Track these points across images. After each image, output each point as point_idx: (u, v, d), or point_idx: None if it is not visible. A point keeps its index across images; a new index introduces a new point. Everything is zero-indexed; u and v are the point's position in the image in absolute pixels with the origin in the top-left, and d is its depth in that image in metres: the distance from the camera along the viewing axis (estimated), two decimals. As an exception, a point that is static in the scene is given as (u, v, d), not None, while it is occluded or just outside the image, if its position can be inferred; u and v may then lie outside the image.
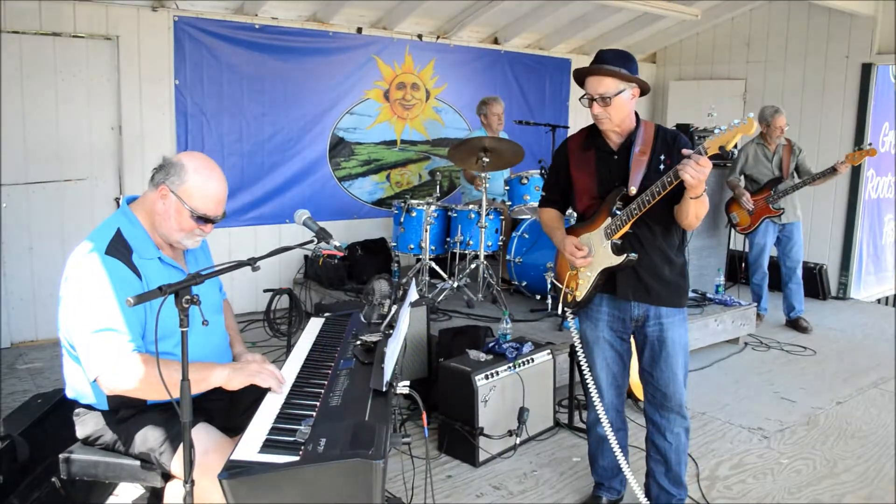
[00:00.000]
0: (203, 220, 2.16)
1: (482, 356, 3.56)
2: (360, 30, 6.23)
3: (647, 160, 2.58)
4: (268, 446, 1.74)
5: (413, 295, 2.40)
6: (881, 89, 6.94)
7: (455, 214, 5.26)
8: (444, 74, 6.81)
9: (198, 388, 2.01)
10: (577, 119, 7.24)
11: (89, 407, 2.17)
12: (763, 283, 5.86)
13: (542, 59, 7.46)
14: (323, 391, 2.08)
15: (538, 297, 5.18)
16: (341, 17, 6.04)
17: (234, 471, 1.62)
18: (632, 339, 2.84)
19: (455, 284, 5.06)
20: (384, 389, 2.01)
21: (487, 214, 5.03)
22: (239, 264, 1.98)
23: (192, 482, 1.76)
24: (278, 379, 2.11)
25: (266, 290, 5.28)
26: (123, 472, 2.15)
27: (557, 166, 2.86)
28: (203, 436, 2.03)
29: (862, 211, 7.04)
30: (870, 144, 5.27)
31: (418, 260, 5.18)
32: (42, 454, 2.56)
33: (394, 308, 2.70)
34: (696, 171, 2.29)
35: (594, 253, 2.68)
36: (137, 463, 2.12)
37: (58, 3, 4.85)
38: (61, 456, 2.15)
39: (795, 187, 5.52)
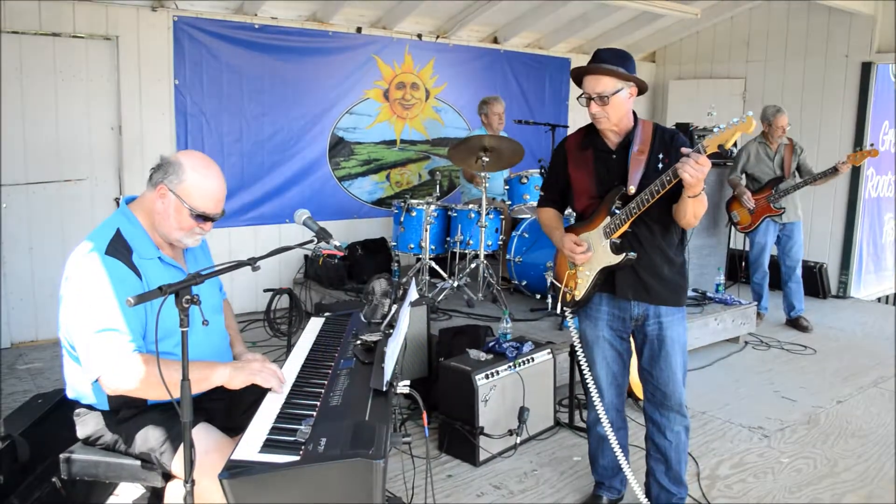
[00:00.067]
0: (202, 218, 2.16)
1: (482, 356, 3.56)
2: (359, 29, 6.23)
3: (645, 159, 2.58)
4: (268, 446, 1.74)
5: (413, 294, 2.40)
6: (881, 88, 6.94)
7: (455, 214, 5.26)
8: (444, 74, 6.81)
9: (199, 387, 2.02)
10: (577, 118, 7.23)
11: (90, 407, 2.17)
12: (763, 282, 5.86)
13: (541, 59, 7.46)
14: (323, 391, 2.08)
15: (538, 296, 5.18)
16: (341, 16, 6.04)
17: (234, 470, 1.62)
18: (631, 339, 2.84)
19: (455, 284, 5.06)
20: (384, 389, 2.01)
21: (487, 214, 5.03)
22: (239, 264, 1.98)
23: (193, 482, 1.76)
24: (279, 378, 2.11)
25: (266, 290, 5.28)
26: (124, 472, 2.15)
27: (556, 166, 2.86)
28: (203, 436, 2.03)
29: (862, 210, 7.04)
30: (871, 145, 5.27)
31: (418, 259, 5.18)
32: (42, 454, 2.56)
33: (394, 308, 2.69)
34: (694, 170, 2.29)
35: (593, 252, 2.68)
36: (138, 463, 2.12)
37: (58, 3, 4.85)
38: (62, 456, 2.15)
39: (796, 187, 5.52)
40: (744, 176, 5.74)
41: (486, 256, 5.15)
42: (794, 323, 5.89)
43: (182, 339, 1.74)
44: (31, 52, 4.84)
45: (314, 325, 2.78)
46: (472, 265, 5.13)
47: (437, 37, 6.69)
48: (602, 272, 2.68)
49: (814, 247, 7.06)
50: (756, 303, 5.68)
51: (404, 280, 5.17)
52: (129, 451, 2.12)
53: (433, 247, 5.18)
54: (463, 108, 6.96)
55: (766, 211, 5.62)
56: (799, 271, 5.83)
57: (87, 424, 2.17)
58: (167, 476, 2.09)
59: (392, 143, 6.63)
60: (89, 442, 2.19)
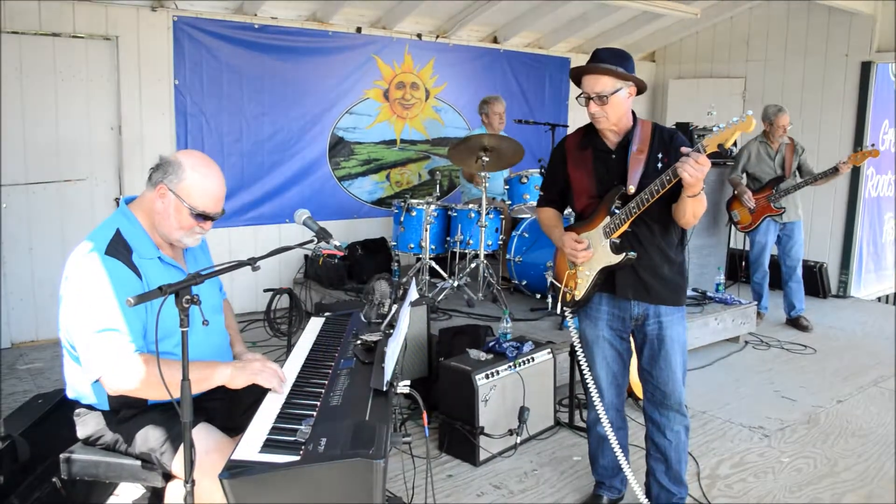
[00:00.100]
0: (202, 217, 2.16)
1: (482, 355, 3.56)
2: (359, 29, 6.22)
3: (644, 159, 2.58)
4: (268, 446, 1.74)
5: (413, 294, 2.40)
6: (881, 87, 6.94)
7: (455, 214, 5.26)
8: (444, 74, 6.81)
9: (200, 387, 2.02)
10: (577, 118, 7.23)
11: (90, 407, 2.17)
12: (764, 281, 5.86)
13: (541, 58, 7.46)
14: (323, 391, 2.08)
15: (538, 296, 5.18)
16: (341, 16, 6.04)
17: (234, 470, 1.62)
18: (631, 338, 2.84)
19: (455, 284, 5.06)
20: (384, 389, 2.01)
21: (487, 213, 5.03)
22: (239, 264, 1.98)
23: (193, 482, 1.76)
24: (280, 378, 2.11)
25: (266, 290, 5.28)
26: (124, 472, 2.15)
27: (555, 166, 2.86)
28: (204, 436, 2.03)
29: (862, 209, 7.04)
30: (872, 145, 5.27)
31: (418, 259, 5.18)
32: (43, 454, 2.56)
33: (394, 307, 2.69)
34: (694, 170, 2.29)
35: (593, 252, 2.68)
36: (138, 463, 2.12)
37: (57, 3, 4.85)
38: (62, 456, 2.16)
39: (797, 187, 5.52)
40: (744, 175, 5.74)
41: (486, 256, 5.15)
42: (795, 322, 5.89)
43: (182, 339, 1.74)
44: (31, 52, 4.84)
45: (314, 325, 2.78)
46: (472, 265, 5.13)
47: (437, 37, 6.69)
48: (602, 272, 2.68)
49: (814, 246, 7.06)
50: (756, 302, 5.68)
51: (404, 280, 5.17)
52: (130, 451, 2.12)
53: (433, 247, 5.18)
54: (463, 108, 6.95)
55: (766, 210, 5.62)
56: (799, 271, 5.83)
57: (88, 424, 2.17)
58: (167, 476, 2.09)
59: (392, 142, 6.63)
60: (89, 442, 2.19)
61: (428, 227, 5.07)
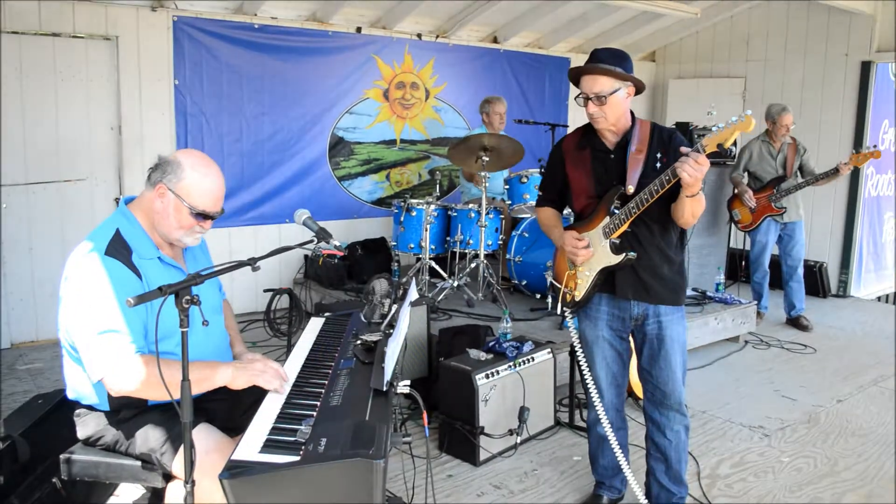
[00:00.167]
0: (202, 216, 2.16)
1: (482, 355, 3.56)
2: (359, 29, 6.22)
3: (643, 158, 2.57)
4: (269, 446, 1.74)
5: (413, 294, 2.40)
6: (881, 87, 6.94)
7: (455, 214, 5.26)
8: (444, 74, 6.80)
9: (201, 387, 2.02)
10: (577, 118, 7.23)
11: (90, 407, 2.17)
12: (764, 281, 5.85)
13: (541, 58, 7.46)
14: (323, 391, 2.08)
15: (538, 295, 5.18)
16: (340, 16, 6.04)
17: (235, 471, 1.62)
18: (631, 338, 2.84)
19: (455, 284, 5.06)
20: (385, 389, 2.01)
21: (487, 213, 5.03)
22: (239, 264, 1.98)
23: (193, 482, 1.76)
24: (282, 377, 2.11)
25: (266, 290, 5.28)
26: (124, 473, 2.15)
27: (553, 166, 2.86)
28: (204, 436, 2.03)
29: (862, 209, 7.04)
30: (874, 146, 5.26)
31: (418, 259, 5.18)
32: (43, 455, 2.56)
33: (394, 307, 2.70)
34: (693, 170, 2.29)
35: (593, 251, 2.68)
36: (138, 463, 2.12)
37: (57, 3, 4.85)
38: (62, 456, 2.16)
39: (798, 187, 5.51)
40: (746, 174, 5.74)
41: (486, 256, 5.15)
42: (795, 322, 5.89)
43: (182, 339, 1.74)
44: (31, 52, 4.84)
45: (314, 325, 2.78)
46: (472, 265, 5.13)
47: (437, 36, 6.69)
48: (602, 272, 2.68)
49: (814, 246, 7.06)
50: (756, 302, 5.68)
51: (404, 280, 5.17)
52: (130, 452, 2.13)
53: (433, 246, 5.18)
54: (463, 108, 6.96)
55: (767, 210, 5.61)
56: (800, 271, 5.82)
57: (88, 425, 2.17)
58: (167, 476, 2.09)
59: (392, 142, 6.63)
60: (89, 442, 2.19)
61: (428, 227, 5.07)
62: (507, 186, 5.64)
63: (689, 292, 5.29)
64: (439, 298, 4.95)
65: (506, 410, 3.48)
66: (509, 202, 5.57)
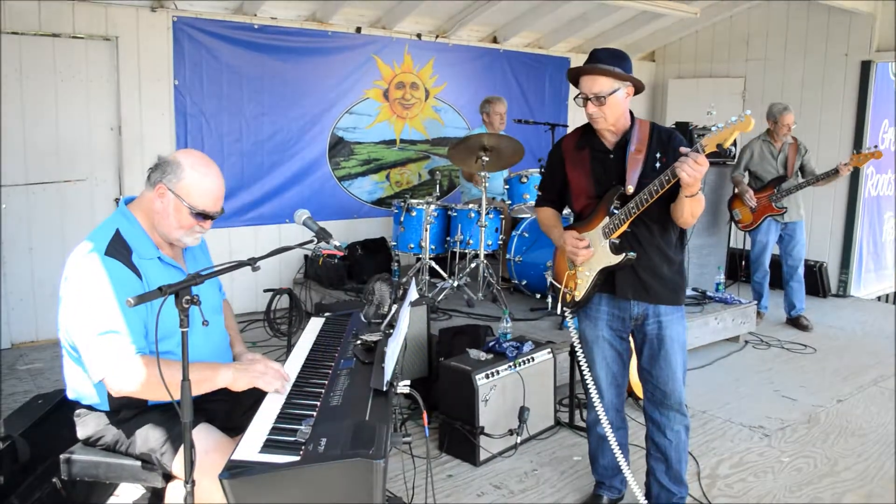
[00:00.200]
0: (202, 216, 2.16)
1: (482, 355, 3.56)
2: (359, 29, 6.22)
3: (643, 159, 2.57)
4: (268, 446, 1.74)
5: (413, 294, 2.40)
6: (880, 87, 6.94)
7: (455, 214, 5.26)
8: (444, 74, 6.81)
9: (202, 388, 2.02)
10: (577, 118, 7.22)
11: (90, 407, 2.17)
12: (764, 281, 5.85)
13: (541, 58, 7.46)
14: (323, 391, 2.08)
15: (538, 295, 5.18)
16: (340, 16, 6.04)
17: (235, 471, 1.62)
18: (631, 338, 2.84)
19: (455, 284, 5.06)
20: (385, 389, 2.02)
21: (487, 213, 5.03)
22: (239, 264, 1.98)
23: (193, 482, 1.76)
24: (283, 378, 2.11)
25: (266, 290, 5.28)
26: (124, 473, 2.15)
27: (552, 166, 2.86)
28: (204, 436, 2.03)
29: (862, 208, 7.04)
30: (875, 146, 5.26)
31: (418, 259, 5.18)
32: (43, 455, 2.56)
33: (394, 307, 2.69)
34: (693, 170, 2.29)
35: (593, 251, 2.68)
36: (138, 463, 2.12)
37: (57, 3, 4.85)
38: (62, 456, 2.16)
39: (799, 187, 5.51)
40: (747, 174, 5.74)
41: (486, 256, 5.15)
42: (795, 322, 5.89)
43: (182, 339, 1.74)
44: (31, 53, 4.84)
45: (314, 325, 2.78)
46: (472, 265, 5.13)
47: (437, 36, 6.69)
48: (602, 272, 2.68)
49: (814, 246, 7.06)
50: (756, 302, 5.68)
51: (404, 280, 5.17)
52: (130, 452, 2.13)
53: (433, 246, 5.18)
54: (463, 108, 6.96)
55: (767, 210, 5.61)
56: (801, 271, 5.82)
57: (88, 425, 2.18)
58: (167, 476, 2.09)
59: (392, 142, 6.63)
60: (90, 442, 2.19)
61: (428, 227, 5.07)
62: (507, 186, 5.64)
63: (689, 292, 5.29)
64: (439, 298, 4.95)
65: (506, 410, 3.48)
66: (509, 202, 5.57)
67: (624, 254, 2.59)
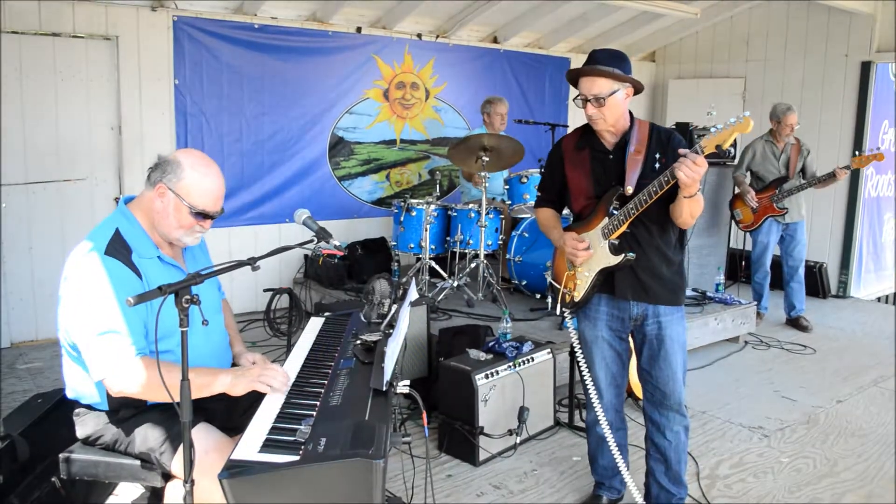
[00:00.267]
0: (202, 216, 2.16)
1: (482, 355, 3.56)
2: (359, 29, 6.22)
3: (642, 159, 2.57)
4: (268, 446, 1.74)
5: (413, 294, 2.40)
6: (880, 87, 6.94)
7: (455, 214, 5.26)
8: (444, 74, 6.81)
9: (201, 393, 2.01)
10: (577, 118, 7.20)
11: (89, 407, 2.17)
12: (765, 281, 5.85)
13: (541, 58, 7.46)
14: (323, 391, 2.08)
15: (538, 296, 5.18)
16: (340, 16, 6.04)
17: (234, 470, 1.62)
18: (630, 339, 2.84)
19: (455, 284, 5.06)
20: (384, 389, 2.02)
21: (487, 213, 5.03)
22: (239, 264, 1.98)
23: (193, 482, 1.76)
24: (283, 376, 2.10)
25: (266, 290, 5.28)
26: (124, 472, 2.15)
27: (552, 167, 2.86)
28: (203, 435, 2.03)
29: (862, 209, 7.04)
30: (878, 148, 5.25)
31: (418, 259, 5.18)
32: (42, 454, 2.56)
33: (394, 307, 2.70)
34: (691, 171, 2.29)
35: (592, 252, 2.68)
36: (138, 463, 2.12)
37: (57, 3, 4.85)
38: (61, 456, 2.16)
39: (799, 188, 5.51)
40: (748, 173, 5.73)
41: (486, 256, 5.15)
42: (794, 322, 5.89)
43: (182, 338, 1.74)
44: (31, 52, 4.84)
45: (314, 325, 2.78)
46: (472, 265, 5.13)
47: (437, 36, 6.69)
48: (601, 273, 2.68)
49: (813, 246, 7.05)
50: (756, 302, 5.68)
51: (404, 280, 5.17)
52: (129, 451, 2.13)
53: (433, 246, 5.18)
54: (463, 108, 6.96)
55: (768, 210, 5.61)
56: (801, 271, 5.82)
57: (87, 424, 2.17)
58: (167, 476, 2.09)
59: (392, 142, 6.63)
60: (89, 442, 2.19)
61: (428, 227, 5.07)
62: (506, 186, 5.64)
63: (688, 293, 5.29)
64: (439, 298, 4.95)
65: (505, 410, 3.48)
66: (509, 202, 5.57)
67: (623, 254, 2.59)
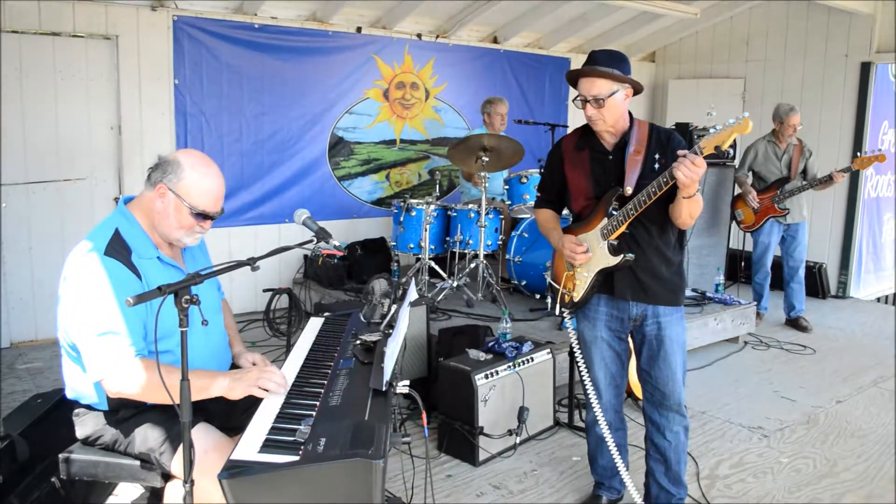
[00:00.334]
0: (202, 216, 2.16)
1: (482, 355, 3.56)
2: (359, 29, 6.22)
3: (641, 160, 2.57)
4: (268, 446, 1.74)
5: (413, 294, 2.40)
6: (880, 88, 6.95)
7: (454, 214, 5.26)
8: (444, 74, 6.81)
9: (198, 395, 2.01)
10: (577, 118, 7.19)
11: (89, 407, 2.17)
12: (765, 282, 5.85)
13: (541, 59, 7.47)
14: (323, 391, 2.08)
15: (538, 296, 5.18)
16: (341, 16, 6.04)
17: (233, 470, 1.62)
18: (630, 339, 2.84)
19: (455, 284, 5.06)
20: (384, 389, 2.02)
21: (487, 214, 5.03)
22: (239, 264, 1.98)
23: (192, 482, 1.76)
24: (280, 382, 2.08)
25: (266, 290, 5.28)
26: (123, 472, 2.15)
27: (552, 167, 2.86)
28: (203, 436, 2.03)
29: (861, 209, 7.04)
30: (878, 149, 5.25)
31: (418, 259, 5.18)
32: (42, 454, 2.56)
33: (393, 307, 2.70)
34: (689, 171, 2.29)
35: (591, 253, 2.68)
36: (137, 463, 2.12)
37: (57, 2, 4.85)
38: (61, 456, 2.15)
39: (800, 189, 5.51)
40: (750, 174, 5.73)
41: (486, 256, 5.15)
42: (794, 323, 5.89)
43: (181, 339, 1.74)
44: (31, 52, 4.84)
45: (314, 325, 2.78)
46: (472, 265, 5.13)
47: (437, 36, 6.69)
48: (600, 273, 2.68)
49: (813, 247, 7.05)
50: (756, 302, 5.69)
51: (404, 280, 5.17)
52: (129, 451, 2.12)
53: (433, 247, 5.18)
54: (463, 108, 6.96)
55: (770, 211, 5.61)
56: (802, 272, 5.82)
57: (87, 424, 2.17)
58: (166, 476, 2.09)
59: (392, 142, 6.63)
60: (88, 442, 2.19)
61: (427, 227, 5.07)
62: (506, 187, 5.65)
63: (688, 293, 5.29)
64: (439, 298, 4.95)
65: (505, 411, 3.48)
66: (509, 202, 5.58)
67: (622, 255, 2.59)
